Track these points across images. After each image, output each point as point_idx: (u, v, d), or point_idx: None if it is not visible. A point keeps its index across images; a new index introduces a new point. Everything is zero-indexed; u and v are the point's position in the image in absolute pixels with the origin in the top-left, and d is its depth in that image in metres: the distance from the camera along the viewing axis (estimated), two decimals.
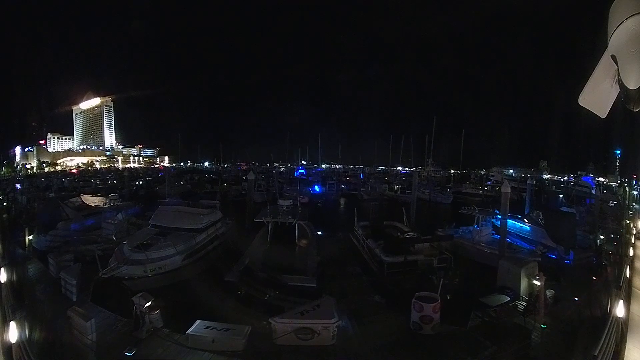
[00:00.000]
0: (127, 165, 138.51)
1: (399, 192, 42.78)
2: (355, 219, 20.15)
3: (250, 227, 18.18)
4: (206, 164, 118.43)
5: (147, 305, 7.71)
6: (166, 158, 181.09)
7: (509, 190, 15.40)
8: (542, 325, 6.91)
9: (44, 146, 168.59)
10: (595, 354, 5.53)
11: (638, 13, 1.83)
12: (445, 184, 54.86)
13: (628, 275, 8.72)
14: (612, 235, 18.30)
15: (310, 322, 7.32)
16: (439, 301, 8.30)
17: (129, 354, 5.66)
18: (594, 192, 30.87)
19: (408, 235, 15.02)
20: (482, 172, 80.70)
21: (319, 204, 36.85)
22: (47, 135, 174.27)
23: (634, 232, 14.41)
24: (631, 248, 11.52)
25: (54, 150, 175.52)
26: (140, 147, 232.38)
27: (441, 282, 9.78)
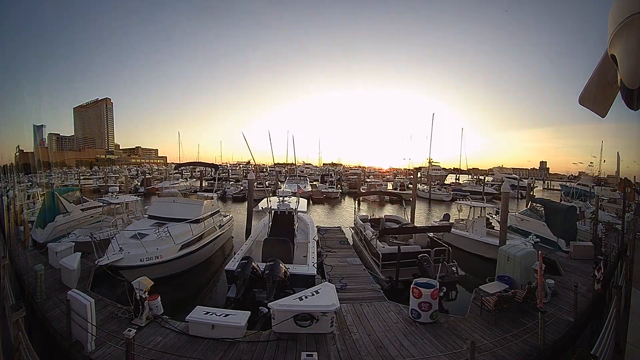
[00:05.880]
0: (128, 164, 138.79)
1: (399, 189, 42.83)
2: (355, 212, 20.27)
3: (249, 222, 18.23)
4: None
5: (146, 289, 7.70)
6: (166, 156, 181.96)
7: (509, 190, 15.41)
8: (541, 312, 6.90)
9: (44, 146, 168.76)
10: (596, 354, 5.52)
11: (638, 13, 1.82)
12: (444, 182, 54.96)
13: (628, 274, 8.74)
14: (612, 231, 18.35)
15: (310, 307, 7.31)
16: (438, 287, 8.29)
17: (128, 336, 5.64)
18: (594, 191, 30.84)
19: (406, 226, 15.04)
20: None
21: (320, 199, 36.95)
22: (47, 135, 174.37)
23: (634, 230, 14.44)
24: (631, 247, 11.54)
25: (54, 150, 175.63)
26: (140, 147, 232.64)
27: (439, 270, 9.77)
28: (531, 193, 31.90)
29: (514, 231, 17.11)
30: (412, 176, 38.20)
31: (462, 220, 18.08)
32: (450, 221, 18.64)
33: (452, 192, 43.56)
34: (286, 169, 70.83)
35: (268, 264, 9.42)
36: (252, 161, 72.77)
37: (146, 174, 56.40)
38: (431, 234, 13.57)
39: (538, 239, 14.37)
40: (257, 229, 14.60)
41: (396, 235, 13.50)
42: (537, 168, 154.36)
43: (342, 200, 41.83)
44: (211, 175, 53.37)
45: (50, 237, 13.79)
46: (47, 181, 43.72)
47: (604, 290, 8.91)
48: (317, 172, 70.33)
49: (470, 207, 17.85)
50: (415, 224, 17.67)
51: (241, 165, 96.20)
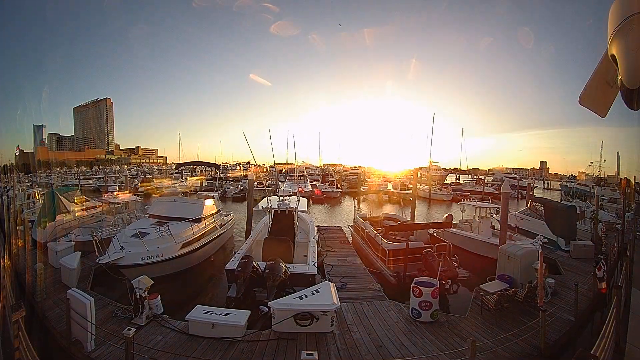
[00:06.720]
0: (128, 164, 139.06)
1: (399, 189, 42.85)
2: (355, 211, 20.29)
3: (249, 222, 18.21)
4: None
5: (146, 288, 7.69)
6: (166, 156, 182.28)
7: (509, 190, 15.38)
8: (541, 311, 6.89)
9: (44, 146, 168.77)
10: (596, 354, 5.50)
11: (638, 13, 1.82)
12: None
13: (628, 274, 8.72)
14: (612, 231, 18.33)
15: (310, 306, 7.30)
16: (438, 286, 8.28)
17: (127, 335, 5.63)
18: (594, 191, 30.86)
19: (407, 222, 15.06)
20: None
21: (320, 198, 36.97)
22: (47, 135, 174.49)
23: (634, 230, 14.44)
24: (631, 247, 11.53)
25: (54, 150, 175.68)
26: (140, 147, 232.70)
27: (440, 268, 9.77)
28: (531, 193, 31.87)
29: (517, 227, 17.02)
30: (411, 176, 38.22)
31: (467, 221, 18.03)
32: (454, 222, 18.62)
33: (452, 192, 43.56)
34: (286, 168, 70.71)
35: (268, 263, 9.41)
36: (252, 161, 72.72)
37: (146, 174, 56.49)
38: (431, 231, 13.59)
39: (546, 240, 14.25)
40: (258, 228, 14.60)
41: (396, 233, 13.52)
42: (537, 168, 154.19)
43: (342, 200, 41.84)
44: (211, 175, 53.42)
45: (50, 236, 13.78)
46: (47, 181, 43.85)
47: (607, 289, 8.88)
48: (317, 172, 70.26)
49: (476, 208, 17.78)
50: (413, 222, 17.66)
51: (241, 165, 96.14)
